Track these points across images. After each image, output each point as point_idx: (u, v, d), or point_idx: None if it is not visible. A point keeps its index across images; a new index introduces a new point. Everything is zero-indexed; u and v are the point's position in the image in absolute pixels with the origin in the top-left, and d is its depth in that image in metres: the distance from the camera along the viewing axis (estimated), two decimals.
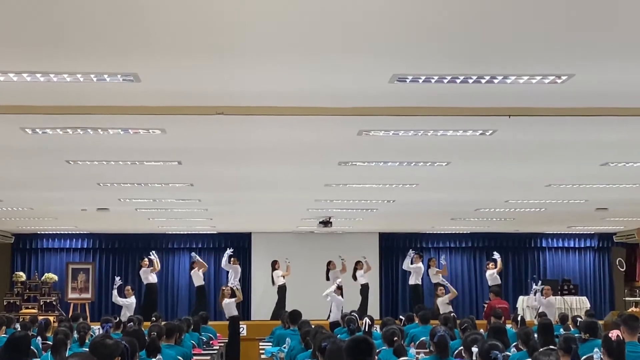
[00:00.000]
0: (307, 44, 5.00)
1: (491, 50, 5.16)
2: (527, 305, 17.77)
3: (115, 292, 16.58)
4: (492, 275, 17.93)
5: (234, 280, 17.13)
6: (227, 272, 18.04)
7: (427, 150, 8.88)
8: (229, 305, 15.51)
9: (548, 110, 6.69)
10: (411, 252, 18.36)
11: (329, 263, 18.22)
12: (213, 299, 18.24)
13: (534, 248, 21.63)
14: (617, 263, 21.11)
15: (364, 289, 18.18)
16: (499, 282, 17.79)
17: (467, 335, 6.58)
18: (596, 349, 6.47)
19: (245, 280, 19.67)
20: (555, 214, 15.97)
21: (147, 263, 17.93)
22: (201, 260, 18.20)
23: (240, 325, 16.73)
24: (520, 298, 19.01)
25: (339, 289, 15.78)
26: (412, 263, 18.16)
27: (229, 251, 17.70)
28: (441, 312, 14.04)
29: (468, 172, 10.43)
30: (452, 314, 12.65)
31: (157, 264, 18.05)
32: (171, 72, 5.62)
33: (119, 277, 17.48)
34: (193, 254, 18.68)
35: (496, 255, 18.14)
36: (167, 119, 6.97)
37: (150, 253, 18.14)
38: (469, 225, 18.92)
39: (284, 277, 18.18)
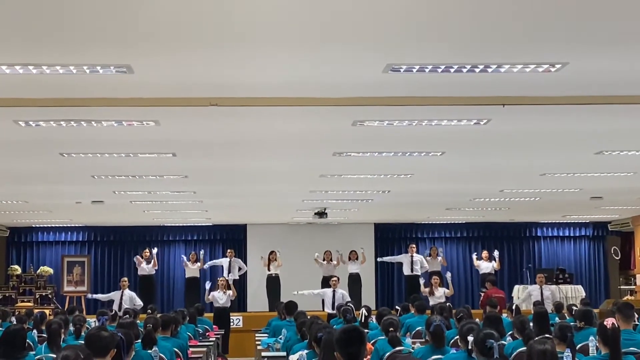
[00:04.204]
0: (301, 34, 4.99)
1: (485, 39, 5.15)
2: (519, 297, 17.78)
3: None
4: (487, 266, 17.96)
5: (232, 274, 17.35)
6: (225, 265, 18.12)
7: (422, 140, 8.87)
8: (221, 297, 15.57)
9: (542, 99, 6.69)
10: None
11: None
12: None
13: (529, 237, 21.68)
14: (612, 251, 21.17)
15: (353, 279, 18.12)
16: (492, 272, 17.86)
17: (463, 324, 6.57)
18: (591, 337, 6.50)
19: None
20: (550, 203, 15.99)
21: (148, 255, 17.95)
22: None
23: (236, 317, 16.77)
24: (516, 287, 19.04)
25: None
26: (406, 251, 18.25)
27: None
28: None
29: (463, 161, 10.44)
30: (447, 304, 12.67)
31: (155, 262, 18.11)
32: (164, 63, 5.60)
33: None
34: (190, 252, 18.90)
35: (496, 254, 18.14)
36: (161, 111, 6.95)
37: (152, 250, 18.18)
38: (464, 215, 18.95)
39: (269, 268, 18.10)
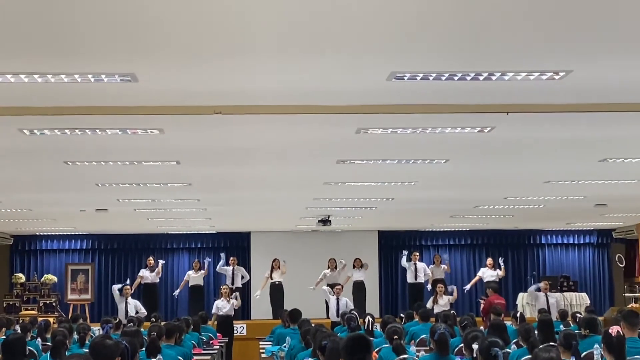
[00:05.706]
0: (305, 42, 5.00)
1: (489, 47, 5.15)
2: (527, 302, 17.78)
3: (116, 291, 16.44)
4: (491, 274, 17.93)
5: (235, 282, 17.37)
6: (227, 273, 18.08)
7: (426, 148, 8.87)
8: (225, 305, 15.57)
9: (546, 107, 6.68)
10: (404, 252, 18.36)
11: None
12: (212, 299, 18.27)
13: (533, 245, 21.66)
14: (617, 259, 21.14)
15: (358, 287, 18.10)
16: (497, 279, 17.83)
17: (468, 332, 6.57)
18: (596, 345, 6.49)
19: None
20: (554, 211, 15.97)
21: (152, 263, 17.96)
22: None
23: (240, 325, 16.76)
24: (520, 295, 19.02)
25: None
26: (409, 261, 18.15)
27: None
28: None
29: (467, 169, 10.43)
30: (452, 312, 12.65)
31: (159, 271, 18.11)
32: (169, 71, 5.61)
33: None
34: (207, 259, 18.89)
35: (500, 261, 18.11)
36: (165, 119, 6.96)
37: (159, 261, 18.20)
38: (468, 222, 18.93)
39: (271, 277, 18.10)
